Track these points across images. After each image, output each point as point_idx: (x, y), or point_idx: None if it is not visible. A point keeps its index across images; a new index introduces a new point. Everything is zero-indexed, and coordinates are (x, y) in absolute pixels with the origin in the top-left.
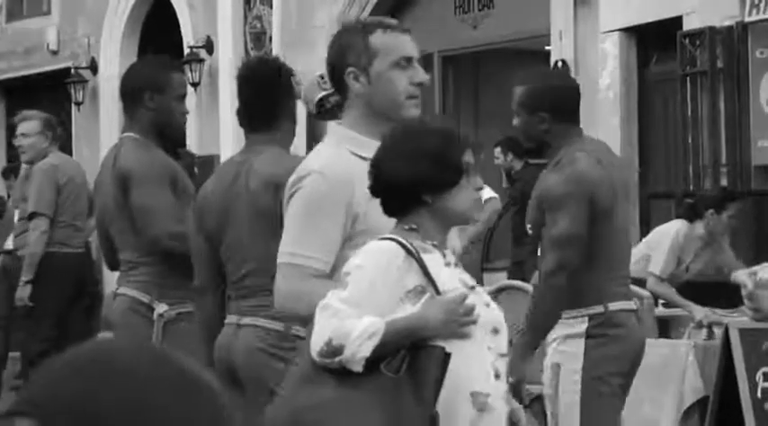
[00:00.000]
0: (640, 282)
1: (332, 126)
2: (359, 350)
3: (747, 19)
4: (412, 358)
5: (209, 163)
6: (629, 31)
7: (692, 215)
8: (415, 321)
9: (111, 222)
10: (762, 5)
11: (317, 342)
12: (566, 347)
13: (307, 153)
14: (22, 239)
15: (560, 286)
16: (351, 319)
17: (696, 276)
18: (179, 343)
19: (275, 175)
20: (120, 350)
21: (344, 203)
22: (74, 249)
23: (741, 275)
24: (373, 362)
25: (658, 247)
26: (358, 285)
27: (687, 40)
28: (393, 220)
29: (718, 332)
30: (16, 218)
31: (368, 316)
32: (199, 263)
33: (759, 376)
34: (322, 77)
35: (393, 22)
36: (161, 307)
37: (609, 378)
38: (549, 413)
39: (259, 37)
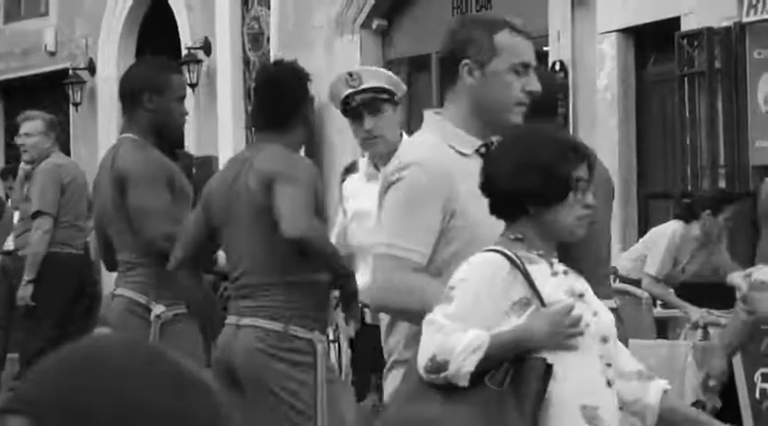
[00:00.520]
0: (637, 282)
1: (431, 116)
2: (463, 365)
3: (745, 19)
4: (515, 370)
5: (206, 164)
6: (626, 31)
7: (688, 215)
8: (520, 333)
9: (109, 223)
10: (759, 6)
11: (422, 359)
12: None
13: (305, 154)
14: (24, 239)
15: None
16: (455, 334)
17: (692, 277)
18: (176, 344)
19: (273, 171)
20: (115, 347)
21: (443, 197)
22: (75, 250)
23: (736, 277)
24: (478, 375)
25: (655, 248)
26: (463, 299)
27: (685, 41)
28: (490, 218)
29: (713, 332)
30: (16, 219)
31: (472, 330)
32: (186, 239)
33: (757, 376)
34: (351, 75)
35: (520, 24)
36: (158, 308)
37: None
38: None
39: (257, 38)
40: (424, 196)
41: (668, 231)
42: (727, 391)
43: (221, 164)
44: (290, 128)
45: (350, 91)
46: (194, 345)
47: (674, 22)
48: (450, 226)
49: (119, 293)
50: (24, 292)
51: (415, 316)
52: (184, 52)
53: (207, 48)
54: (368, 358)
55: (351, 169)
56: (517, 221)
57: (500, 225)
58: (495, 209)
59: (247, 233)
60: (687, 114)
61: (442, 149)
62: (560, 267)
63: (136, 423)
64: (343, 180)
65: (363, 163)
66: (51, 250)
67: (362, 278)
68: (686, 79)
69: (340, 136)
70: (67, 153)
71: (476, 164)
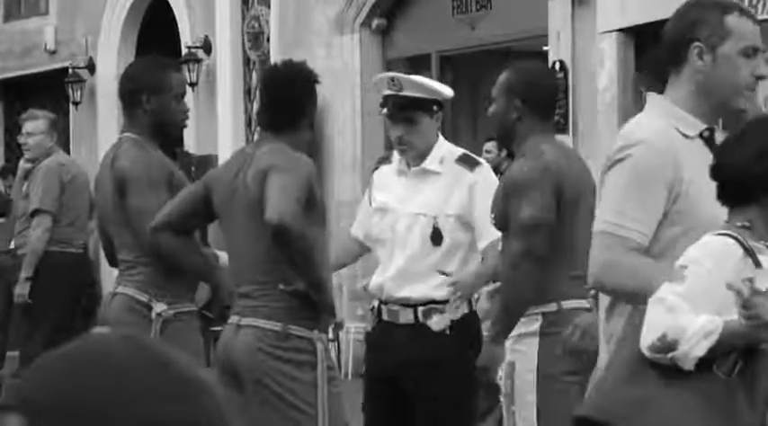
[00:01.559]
0: None
1: (655, 98)
2: (694, 349)
3: None
4: (745, 361)
5: (206, 162)
6: (626, 31)
7: None
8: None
9: (109, 222)
10: (759, 6)
11: (649, 336)
12: (520, 346)
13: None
14: (23, 237)
15: (528, 271)
16: (687, 315)
17: None
18: (177, 342)
19: (268, 165)
20: (114, 345)
21: (670, 178)
22: (75, 249)
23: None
24: (702, 362)
25: None
26: (695, 280)
27: None
28: (714, 202)
29: None
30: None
31: (705, 314)
32: (173, 206)
33: None
34: (392, 80)
35: (748, 8)
36: (159, 307)
37: (563, 377)
38: (505, 413)
39: (257, 37)
40: (650, 175)
41: None
42: None
43: (221, 163)
44: (295, 128)
45: (388, 92)
46: (195, 344)
47: None
48: (675, 209)
49: (120, 291)
50: (22, 289)
51: (633, 297)
52: (184, 51)
53: (207, 47)
54: (384, 356)
55: (385, 159)
56: (745, 209)
57: (722, 210)
58: (724, 195)
59: (245, 230)
60: None
61: (669, 131)
62: None
63: (134, 423)
64: (375, 168)
65: (396, 157)
66: (50, 249)
67: (376, 278)
68: None
69: (340, 136)
70: (67, 152)
71: (699, 147)
